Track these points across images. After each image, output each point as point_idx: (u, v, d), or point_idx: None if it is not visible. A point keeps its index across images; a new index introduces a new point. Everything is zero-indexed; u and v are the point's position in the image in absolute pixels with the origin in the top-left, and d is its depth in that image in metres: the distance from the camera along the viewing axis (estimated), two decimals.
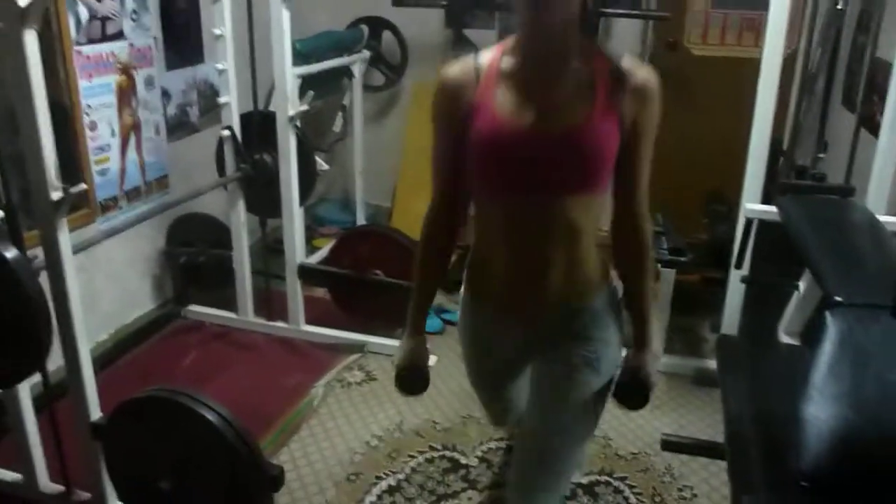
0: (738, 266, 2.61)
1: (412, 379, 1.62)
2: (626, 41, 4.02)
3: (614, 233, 1.49)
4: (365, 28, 4.14)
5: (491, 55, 1.38)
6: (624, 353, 1.58)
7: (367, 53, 4.06)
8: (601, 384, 1.52)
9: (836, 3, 3.16)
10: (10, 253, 1.71)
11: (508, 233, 1.40)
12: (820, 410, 1.42)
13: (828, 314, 1.58)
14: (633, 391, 1.54)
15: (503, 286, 1.46)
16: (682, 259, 2.82)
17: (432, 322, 3.26)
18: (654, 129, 1.37)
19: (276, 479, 1.86)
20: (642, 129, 1.35)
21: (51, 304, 1.82)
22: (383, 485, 2.36)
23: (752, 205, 2.59)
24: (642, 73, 1.34)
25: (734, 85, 3.10)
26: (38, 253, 1.89)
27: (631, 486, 2.37)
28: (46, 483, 2.24)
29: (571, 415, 1.52)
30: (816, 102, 3.47)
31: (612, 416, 2.68)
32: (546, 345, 1.52)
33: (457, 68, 1.38)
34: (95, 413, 2.03)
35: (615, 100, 1.32)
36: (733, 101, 2.97)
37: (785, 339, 2.53)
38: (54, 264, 1.85)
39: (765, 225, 2.62)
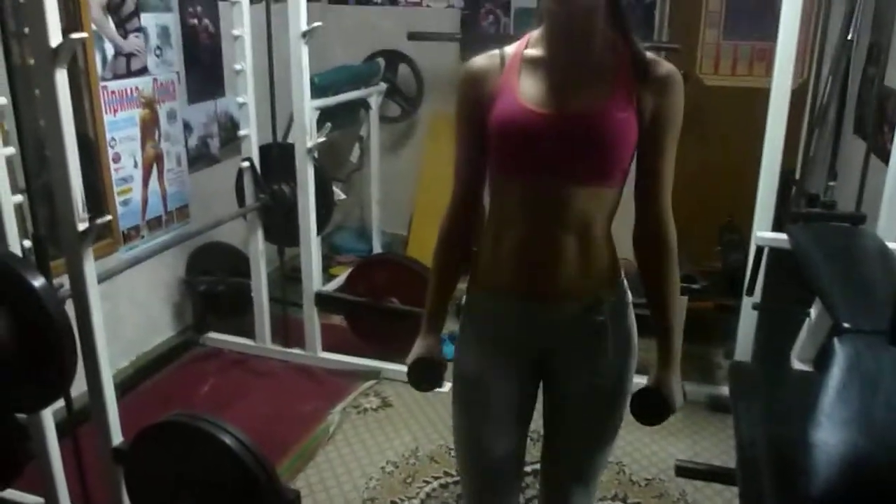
0: (750, 293, 2.63)
1: (422, 369, 1.55)
2: None
3: (637, 240, 1.44)
4: (381, 61, 4.24)
5: (516, 45, 1.39)
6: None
7: (383, 86, 4.16)
8: (620, 402, 1.50)
9: (847, 35, 3.21)
10: (38, 282, 1.77)
11: (522, 216, 1.37)
12: (829, 435, 1.43)
13: (836, 341, 1.60)
14: (650, 408, 1.47)
15: (514, 272, 1.40)
16: (694, 286, 2.84)
17: (446, 349, 3.28)
18: (677, 126, 1.35)
19: None
20: (662, 124, 1.33)
21: (75, 331, 1.88)
22: None
23: (763, 233, 2.61)
24: (665, 66, 1.33)
25: (746, 115, 3.13)
26: (63, 281, 1.96)
27: None
28: None
29: (594, 439, 1.52)
30: (828, 131, 3.51)
31: (626, 443, 2.70)
32: (560, 356, 1.46)
33: (482, 57, 1.40)
34: (117, 438, 2.07)
35: (634, 89, 1.31)
36: (746, 130, 3.01)
37: (798, 365, 2.53)
38: (80, 293, 1.90)
39: (777, 253, 2.64)
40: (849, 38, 3.21)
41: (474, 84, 1.39)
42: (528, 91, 1.34)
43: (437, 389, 1.59)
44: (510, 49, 1.40)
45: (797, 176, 3.51)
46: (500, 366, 1.49)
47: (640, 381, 1.49)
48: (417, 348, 1.55)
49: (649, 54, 1.35)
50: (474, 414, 1.55)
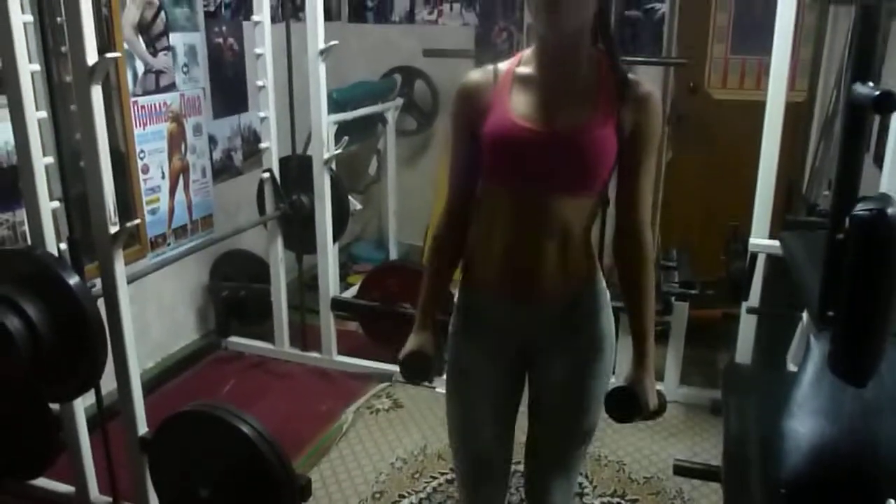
0: (745, 297, 2.73)
1: (414, 363, 1.65)
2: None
3: (616, 249, 1.55)
4: (398, 77, 4.40)
5: (510, 62, 1.50)
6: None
7: (400, 101, 4.31)
8: (593, 398, 1.60)
9: (851, 50, 3.29)
10: (73, 279, 1.93)
11: (509, 223, 1.48)
12: (800, 425, 1.54)
13: (812, 337, 1.71)
14: (622, 405, 1.56)
15: (501, 275, 1.51)
16: (692, 291, 2.92)
17: None
18: (655, 142, 1.45)
19: (304, 489, 2.02)
20: (640, 140, 1.44)
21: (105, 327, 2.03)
22: (405, 502, 2.50)
23: (757, 240, 2.71)
24: (644, 86, 1.43)
25: (754, 127, 3.19)
26: (96, 283, 2.12)
27: None
28: (97, 495, 2.43)
29: (573, 417, 1.62)
30: (833, 143, 3.59)
31: (628, 443, 2.79)
32: (539, 350, 1.58)
33: (477, 73, 1.51)
34: (142, 428, 2.22)
35: (615, 107, 1.41)
36: (754, 143, 3.06)
37: (793, 367, 2.62)
38: (110, 290, 2.06)
39: (773, 259, 2.73)
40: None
41: (469, 99, 1.49)
42: (518, 107, 1.44)
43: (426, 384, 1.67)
44: (503, 66, 1.50)
45: (804, 188, 3.59)
46: (487, 356, 1.61)
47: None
48: (410, 343, 1.66)
49: (631, 75, 1.45)
50: (465, 400, 1.67)
